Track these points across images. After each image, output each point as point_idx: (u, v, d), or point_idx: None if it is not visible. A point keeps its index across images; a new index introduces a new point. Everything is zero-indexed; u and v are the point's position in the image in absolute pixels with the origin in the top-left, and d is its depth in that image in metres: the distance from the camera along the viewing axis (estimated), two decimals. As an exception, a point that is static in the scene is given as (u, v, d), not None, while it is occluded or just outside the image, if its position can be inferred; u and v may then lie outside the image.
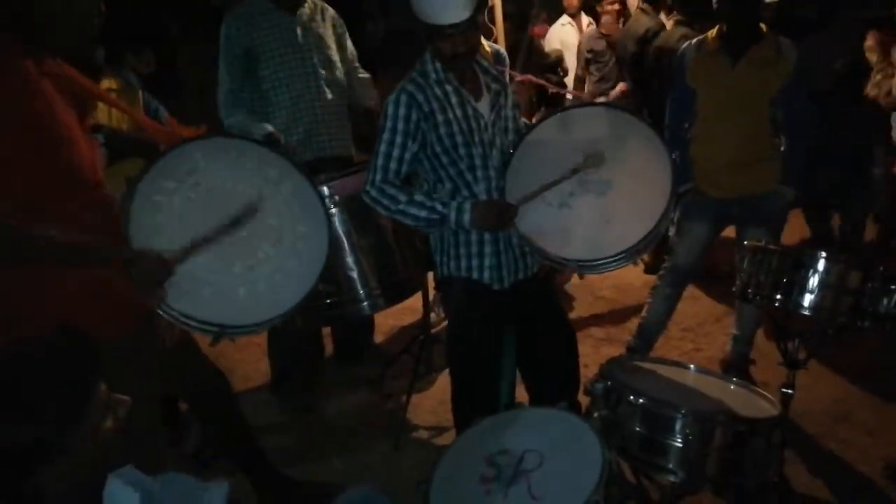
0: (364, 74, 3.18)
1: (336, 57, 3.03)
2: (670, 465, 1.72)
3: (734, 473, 1.75)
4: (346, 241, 2.47)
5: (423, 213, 2.04)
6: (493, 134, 2.13)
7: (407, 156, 2.06)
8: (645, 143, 2.09)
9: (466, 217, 2.02)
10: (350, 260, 2.50)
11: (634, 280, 4.28)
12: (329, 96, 2.97)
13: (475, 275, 2.17)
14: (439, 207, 2.03)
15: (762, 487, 1.87)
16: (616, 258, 2.03)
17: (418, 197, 2.05)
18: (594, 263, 2.07)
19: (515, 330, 2.31)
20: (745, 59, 2.82)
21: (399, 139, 2.04)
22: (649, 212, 2.03)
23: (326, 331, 3.50)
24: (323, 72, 2.96)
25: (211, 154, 1.90)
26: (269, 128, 2.78)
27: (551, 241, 2.05)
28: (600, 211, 2.08)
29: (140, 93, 2.87)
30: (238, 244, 1.92)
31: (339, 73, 3.04)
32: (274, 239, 1.97)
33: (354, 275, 2.51)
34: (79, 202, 1.67)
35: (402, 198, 2.05)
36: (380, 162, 2.06)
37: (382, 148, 2.05)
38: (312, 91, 2.94)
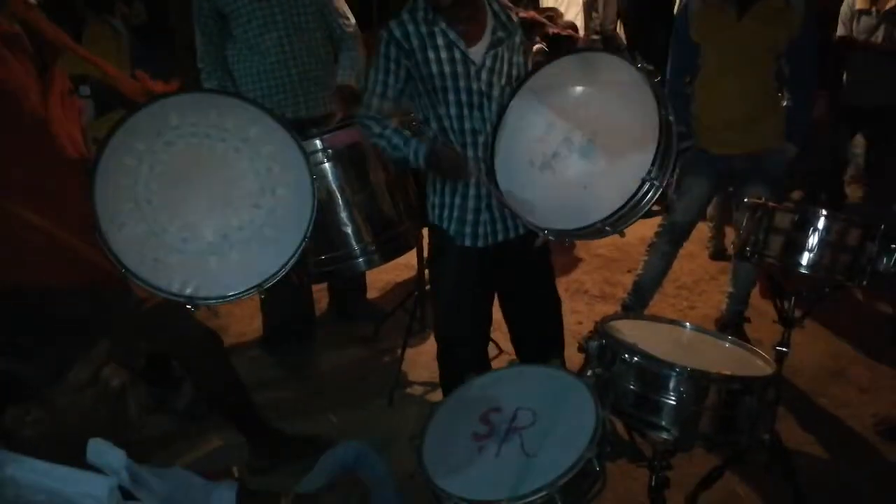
0: (350, 28, 3.05)
1: (311, 10, 2.93)
2: (663, 423, 1.71)
3: (727, 431, 1.75)
4: (339, 196, 2.44)
5: (389, 149, 2.06)
6: (487, 82, 2.02)
7: (389, 93, 2.04)
8: (641, 105, 1.86)
9: (421, 161, 2.03)
10: (344, 215, 2.46)
11: (631, 237, 4.25)
12: (304, 56, 2.90)
13: (447, 228, 2.15)
14: (401, 145, 2.03)
15: (754, 443, 1.88)
16: (591, 227, 1.89)
17: (387, 132, 2.05)
18: (572, 232, 1.94)
19: (497, 291, 2.29)
20: (751, 12, 2.73)
21: (380, 76, 2.03)
22: (631, 179, 1.84)
23: (321, 287, 3.50)
24: (294, 30, 2.87)
25: (186, 112, 1.78)
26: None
27: (528, 206, 1.95)
28: (582, 175, 1.94)
29: (124, 41, 2.79)
30: (214, 209, 1.83)
31: (315, 29, 2.94)
32: (251, 204, 1.86)
33: (349, 230, 2.48)
34: (39, 166, 1.62)
35: (375, 129, 2.06)
36: (364, 97, 2.08)
37: (368, 84, 2.07)
38: (286, 50, 2.86)
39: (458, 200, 2.12)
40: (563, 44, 4.40)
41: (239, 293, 1.86)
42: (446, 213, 2.14)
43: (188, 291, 1.79)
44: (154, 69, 2.73)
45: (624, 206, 1.84)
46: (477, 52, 2.02)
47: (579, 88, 1.98)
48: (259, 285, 1.86)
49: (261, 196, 1.87)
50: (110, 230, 1.72)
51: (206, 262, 1.82)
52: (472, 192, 2.10)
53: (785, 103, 2.84)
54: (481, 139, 2.05)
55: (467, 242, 2.14)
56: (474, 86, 2.02)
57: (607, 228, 1.88)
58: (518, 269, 2.24)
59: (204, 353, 2.21)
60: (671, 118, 1.81)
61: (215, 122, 1.82)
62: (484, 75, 2.02)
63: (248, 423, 2.37)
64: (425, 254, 3.14)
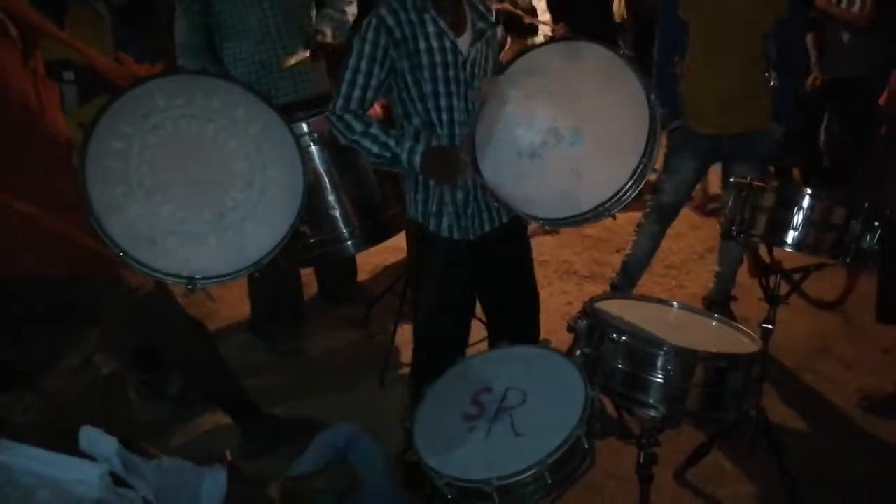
0: (337, 15, 2.95)
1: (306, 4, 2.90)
2: (651, 401, 1.74)
3: (714, 408, 1.78)
4: (327, 180, 2.42)
5: (375, 149, 1.91)
6: (470, 74, 1.98)
7: (373, 83, 1.91)
8: (626, 90, 1.90)
9: (417, 160, 1.90)
10: (332, 198, 2.45)
11: (620, 218, 4.27)
12: (294, 36, 2.85)
13: (432, 225, 2.05)
14: (392, 145, 1.91)
15: (741, 419, 1.91)
16: (586, 214, 1.92)
17: (374, 130, 1.91)
18: (565, 221, 1.97)
19: (477, 278, 2.18)
20: (738, -9, 2.73)
21: (364, 65, 1.89)
22: (622, 165, 1.88)
23: (310, 271, 3.49)
24: (281, 9, 2.83)
25: (172, 94, 1.78)
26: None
27: (520, 196, 1.95)
28: (572, 163, 1.95)
29: (106, 24, 2.75)
30: (206, 190, 1.84)
31: (303, 6, 2.91)
32: (244, 184, 1.88)
33: (337, 213, 2.47)
34: (26, 152, 1.61)
35: (358, 128, 1.91)
36: (343, 89, 1.91)
37: (347, 74, 1.91)
38: (272, 32, 2.83)
39: (444, 192, 2.02)
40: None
41: (238, 271, 1.88)
42: (433, 206, 2.04)
43: (187, 273, 1.81)
44: (137, 52, 2.71)
45: (619, 191, 1.87)
46: (463, 43, 1.97)
47: (561, 77, 1.97)
48: (257, 262, 1.88)
49: (252, 175, 1.90)
50: (104, 215, 1.72)
51: (202, 243, 1.83)
52: (458, 182, 2.02)
53: (772, 83, 2.85)
54: (466, 131, 2.00)
55: (456, 236, 2.05)
56: (461, 76, 1.96)
57: (602, 212, 1.91)
58: (503, 262, 2.17)
59: (192, 343, 2.21)
60: (655, 101, 1.84)
61: (202, 104, 1.83)
62: (468, 67, 1.97)
63: (239, 409, 2.38)
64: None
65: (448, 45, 1.94)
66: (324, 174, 2.41)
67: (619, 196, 1.88)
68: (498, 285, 2.21)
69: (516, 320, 2.24)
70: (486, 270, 2.15)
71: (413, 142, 1.93)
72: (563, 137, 1.95)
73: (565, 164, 1.95)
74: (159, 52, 2.26)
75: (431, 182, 2.01)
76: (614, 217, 1.94)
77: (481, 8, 2.05)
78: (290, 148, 1.93)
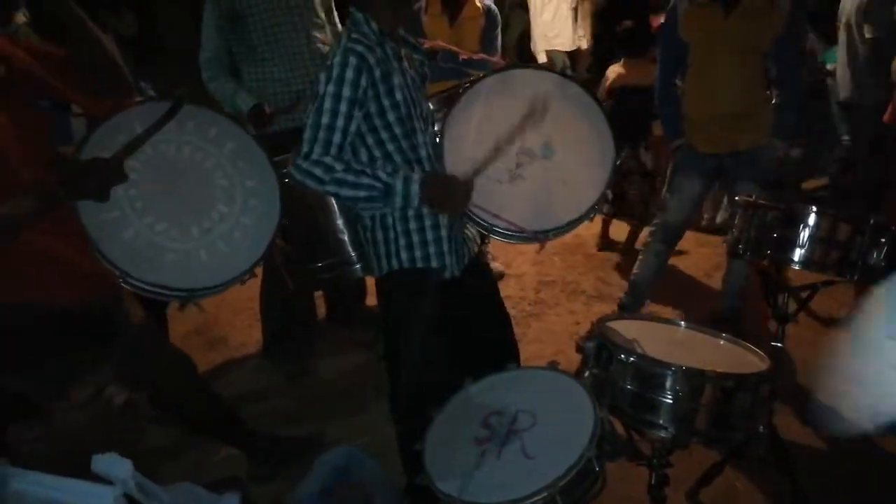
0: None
1: (323, 17, 2.96)
2: (661, 421, 1.74)
3: (723, 427, 1.78)
4: (336, 204, 2.44)
5: (366, 181, 1.76)
6: (426, 107, 1.95)
7: (352, 127, 1.78)
8: (578, 102, 2.12)
9: (415, 189, 1.78)
10: (340, 222, 2.47)
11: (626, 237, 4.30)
12: (320, 59, 2.90)
13: (434, 262, 1.94)
14: (383, 177, 1.78)
15: (752, 438, 1.90)
16: (581, 218, 2.10)
17: (357, 165, 1.79)
18: (568, 226, 2.11)
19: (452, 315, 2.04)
20: (738, 10, 2.76)
21: (344, 108, 1.75)
22: (601, 162, 2.11)
23: (319, 293, 3.51)
24: (315, 34, 2.89)
25: (148, 121, 1.81)
26: (251, 103, 2.77)
27: (520, 218, 2.02)
28: (555, 173, 2.08)
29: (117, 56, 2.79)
30: (193, 207, 1.97)
31: (329, 34, 2.98)
32: (226, 198, 2.02)
33: (346, 237, 2.48)
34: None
35: (339, 166, 1.76)
36: (321, 135, 1.75)
37: (325, 119, 1.75)
38: (305, 54, 2.89)
39: (430, 235, 1.93)
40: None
41: (234, 278, 2.01)
42: (419, 252, 1.93)
43: (188, 285, 1.92)
44: (145, 82, 2.75)
45: (607, 183, 2.10)
46: (413, 73, 1.93)
47: (512, 104, 2.04)
48: (250, 269, 2.03)
49: (233, 189, 2.04)
50: (101, 239, 1.82)
51: (197, 256, 1.96)
52: (441, 220, 1.94)
53: (773, 101, 2.88)
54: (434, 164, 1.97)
55: (453, 272, 1.97)
56: (424, 111, 1.94)
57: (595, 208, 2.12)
58: (475, 290, 2.11)
59: (177, 375, 2.17)
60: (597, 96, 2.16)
61: (176, 128, 1.93)
62: (424, 99, 1.96)
63: (234, 435, 2.39)
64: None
65: (410, 80, 1.88)
66: (332, 198, 2.43)
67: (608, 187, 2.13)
68: (478, 319, 2.14)
69: (497, 349, 2.16)
70: (462, 303, 2.06)
71: (407, 173, 1.83)
72: (536, 154, 2.07)
73: (548, 175, 2.09)
74: (168, 81, 2.29)
75: (426, 221, 1.92)
76: (590, 220, 2.15)
77: (412, 40, 2.02)
78: (262, 160, 2.07)
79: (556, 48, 5.97)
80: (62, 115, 2.11)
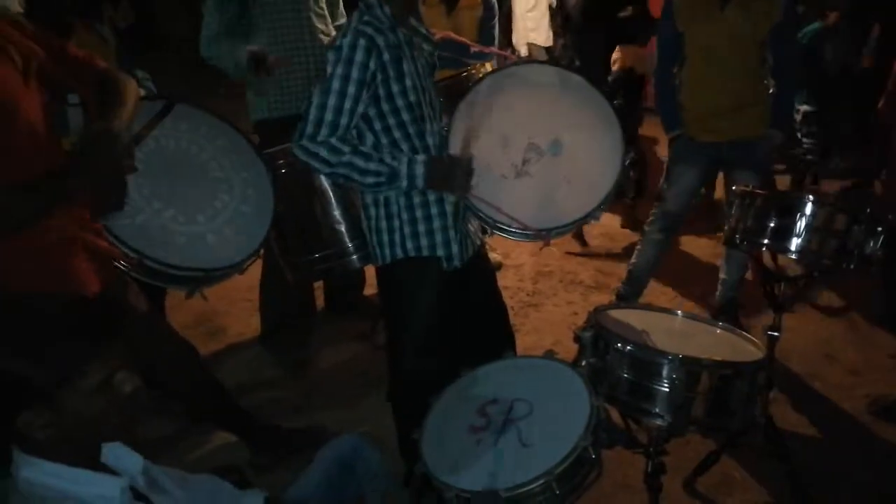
0: (341, 22, 3.05)
1: (326, 9, 2.95)
2: (657, 410, 1.75)
3: (720, 415, 1.79)
4: (332, 194, 2.44)
5: (373, 166, 1.77)
6: (435, 97, 1.95)
7: (359, 109, 1.78)
8: (584, 95, 2.12)
9: (419, 171, 1.80)
10: (337, 213, 2.47)
11: (624, 230, 4.31)
12: (323, 50, 2.89)
13: (441, 251, 1.94)
14: (388, 160, 1.79)
15: (748, 426, 1.91)
16: (587, 216, 2.08)
17: (364, 149, 1.79)
18: (572, 224, 2.10)
19: (450, 304, 2.05)
20: (734, 1, 2.75)
21: (352, 89, 1.74)
22: (609, 160, 2.07)
23: (318, 283, 3.51)
24: (318, 24, 2.89)
25: (143, 120, 1.94)
26: (252, 47, 2.73)
27: (520, 214, 2.00)
28: (562, 171, 2.07)
29: (113, 48, 2.78)
30: (196, 198, 2.10)
31: (331, 25, 2.97)
32: (226, 188, 2.16)
33: (343, 228, 2.49)
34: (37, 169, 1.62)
35: (346, 148, 1.76)
36: (328, 116, 1.75)
37: (332, 100, 1.74)
38: (307, 44, 2.87)
39: (435, 213, 1.93)
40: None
41: (243, 259, 2.13)
42: (425, 241, 1.93)
43: (202, 265, 2.02)
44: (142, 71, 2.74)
45: (616, 180, 2.06)
46: (422, 60, 1.93)
47: (522, 99, 2.10)
48: (256, 251, 2.16)
49: (231, 181, 2.17)
50: (115, 225, 1.90)
51: (204, 240, 2.08)
52: (447, 208, 1.95)
53: (771, 90, 2.87)
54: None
55: (456, 262, 1.97)
56: (433, 100, 1.94)
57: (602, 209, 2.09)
58: (477, 284, 2.12)
59: (182, 364, 2.19)
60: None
61: (171, 126, 2.07)
62: (432, 86, 1.97)
63: (236, 423, 2.39)
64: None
65: (421, 66, 1.88)
66: (328, 189, 2.43)
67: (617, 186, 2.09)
68: (476, 312, 2.15)
69: (495, 338, 2.16)
70: (465, 299, 2.08)
71: (411, 156, 1.85)
72: (544, 150, 2.07)
73: (555, 173, 2.07)
74: (164, 72, 2.29)
75: (433, 209, 1.92)
76: (597, 219, 2.12)
77: (423, 30, 2.01)
78: (250, 154, 2.23)
79: (534, 42, 5.94)
80: (59, 104, 2.10)
